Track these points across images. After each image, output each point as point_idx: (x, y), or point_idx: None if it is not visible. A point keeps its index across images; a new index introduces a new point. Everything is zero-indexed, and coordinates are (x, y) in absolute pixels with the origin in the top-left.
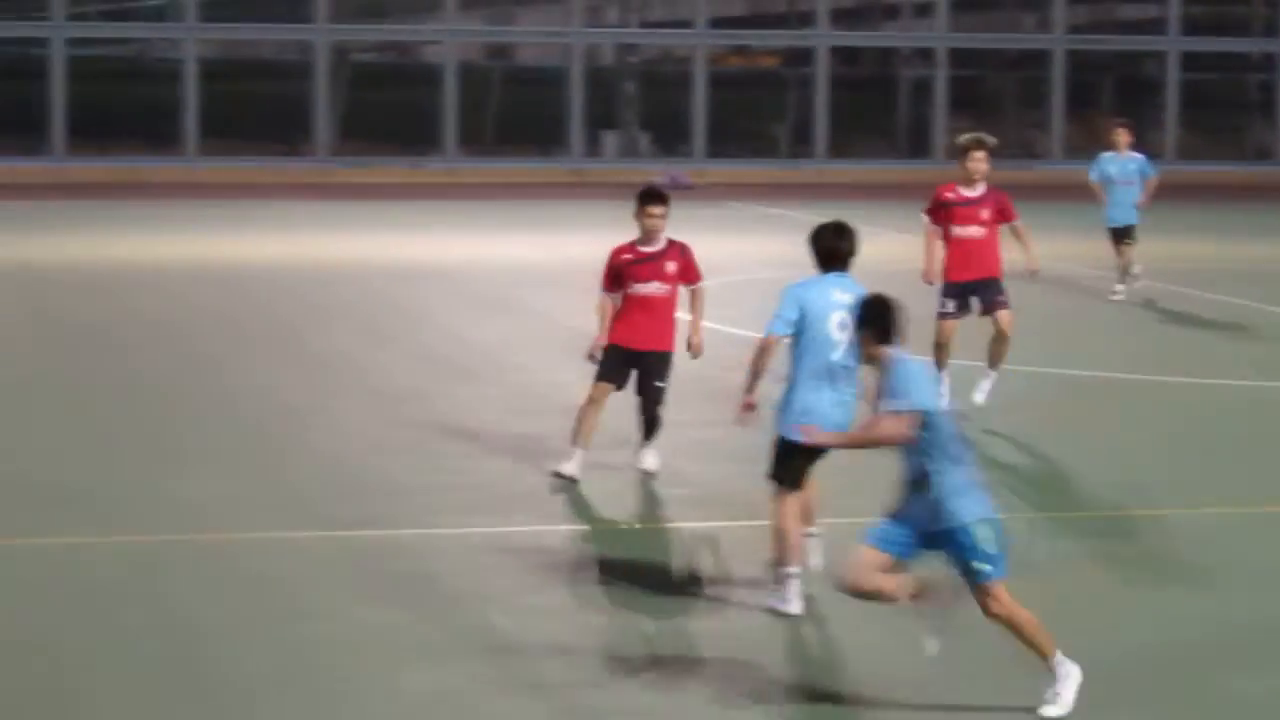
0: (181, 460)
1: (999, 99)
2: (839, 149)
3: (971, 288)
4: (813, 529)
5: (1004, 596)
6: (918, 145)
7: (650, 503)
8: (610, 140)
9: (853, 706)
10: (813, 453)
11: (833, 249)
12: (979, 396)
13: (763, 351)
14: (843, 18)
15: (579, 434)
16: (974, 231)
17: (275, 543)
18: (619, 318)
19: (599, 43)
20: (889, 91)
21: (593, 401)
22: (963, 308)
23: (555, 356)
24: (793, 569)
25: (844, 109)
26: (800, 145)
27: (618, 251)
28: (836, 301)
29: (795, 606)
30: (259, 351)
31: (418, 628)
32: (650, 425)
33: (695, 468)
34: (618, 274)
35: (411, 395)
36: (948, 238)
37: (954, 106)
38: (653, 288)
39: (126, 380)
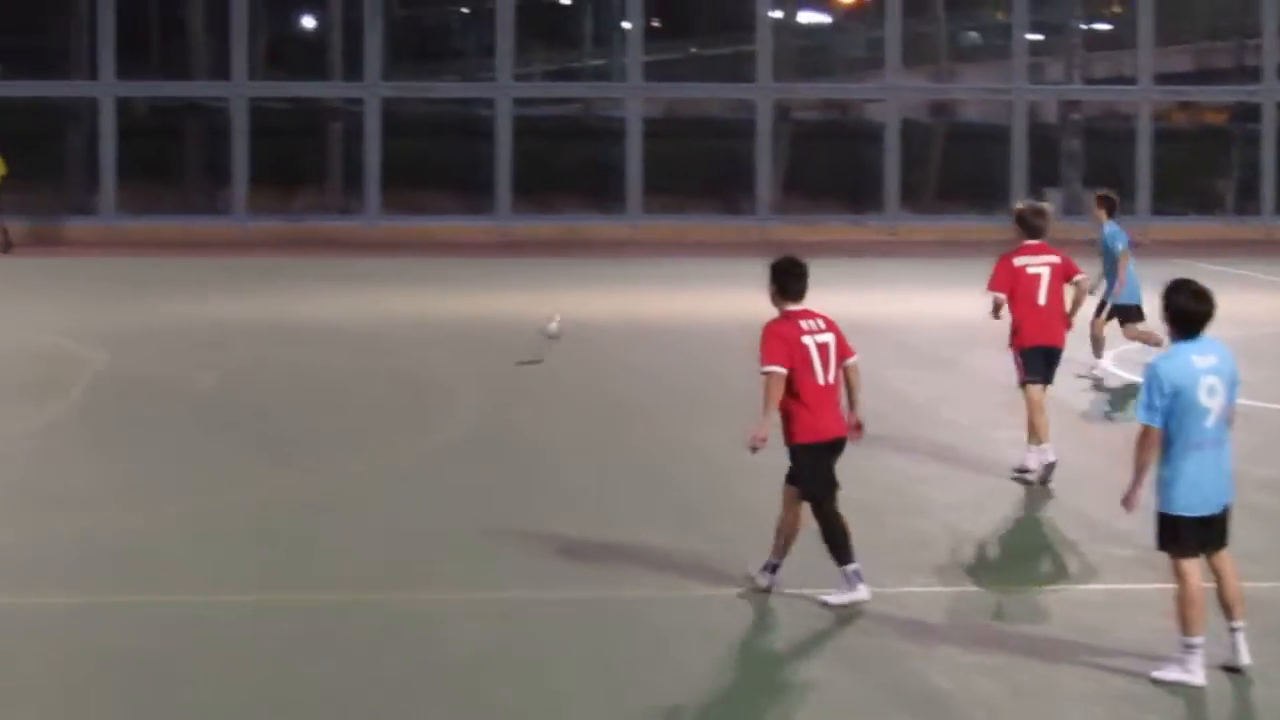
0: (608, 516)
1: None
2: None
3: None
4: (1238, 622)
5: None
6: None
7: (1088, 564)
8: (1053, 197)
9: None
10: (1205, 525)
11: (1191, 313)
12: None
13: (1146, 445)
14: None
15: (787, 544)
16: None
17: (711, 599)
18: (809, 409)
19: (1042, 99)
20: None
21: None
22: None
23: (987, 413)
24: (1196, 640)
25: None
26: (1246, 201)
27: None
28: (1200, 368)
29: (1198, 677)
30: (689, 406)
31: (841, 684)
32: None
33: (1137, 527)
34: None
35: (849, 454)
36: None
37: None
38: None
39: (545, 433)
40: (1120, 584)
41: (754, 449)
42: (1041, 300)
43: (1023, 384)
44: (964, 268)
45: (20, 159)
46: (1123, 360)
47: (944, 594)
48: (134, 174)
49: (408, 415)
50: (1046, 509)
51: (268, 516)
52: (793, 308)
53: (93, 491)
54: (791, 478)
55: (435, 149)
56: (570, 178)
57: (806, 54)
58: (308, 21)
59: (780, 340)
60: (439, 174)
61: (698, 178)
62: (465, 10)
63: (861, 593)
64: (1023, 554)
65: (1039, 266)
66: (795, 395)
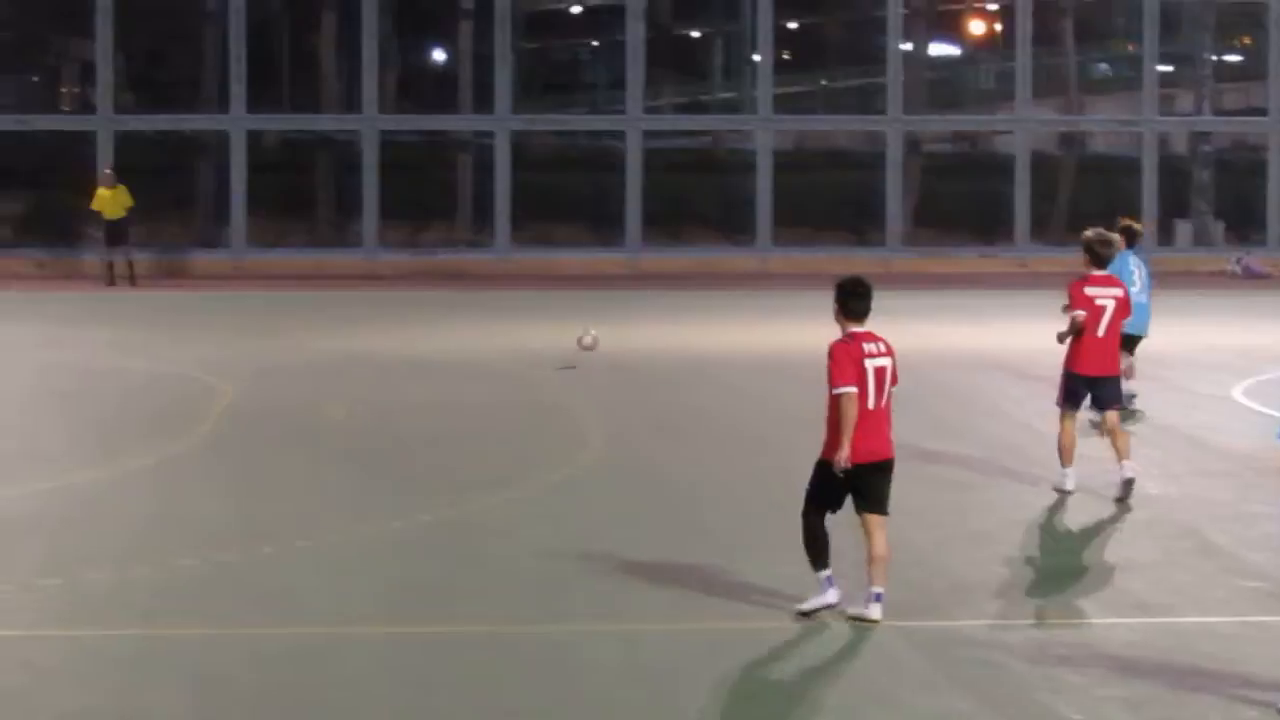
0: (740, 546)
1: None
2: None
3: None
4: None
5: None
6: None
7: (1216, 596)
8: (1183, 229)
9: None
10: None
11: None
12: None
13: None
14: None
15: (882, 569)
16: None
17: (837, 631)
18: (858, 430)
19: (1171, 131)
20: None
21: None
22: None
23: None
24: None
25: None
26: None
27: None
28: None
29: None
30: (815, 436)
31: (972, 716)
32: None
33: (1266, 559)
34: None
35: (978, 486)
36: None
37: None
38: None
39: (674, 463)
40: (1249, 615)
41: (844, 472)
42: (1101, 332)
43: (1060, 406)
44: None
45: (149, 192)
46: (1251, 393)
47: (1069, 625)
48: (264, 207)
49: (538, 447)
50: (1172, 540)
51: (398, 549)
52: (856, 329)
53: (222, 523)
54: (859, 508)
55: (565, 181)
56: (700, 210)
57: (936, 86)
58: (438, 55)
59: (851, 360)
60: (569, 206)
61: (828, 210)
62: (595, 43)
63: (830, 596)
64: (1148, 585)
65: (1106, 299)
66: None
